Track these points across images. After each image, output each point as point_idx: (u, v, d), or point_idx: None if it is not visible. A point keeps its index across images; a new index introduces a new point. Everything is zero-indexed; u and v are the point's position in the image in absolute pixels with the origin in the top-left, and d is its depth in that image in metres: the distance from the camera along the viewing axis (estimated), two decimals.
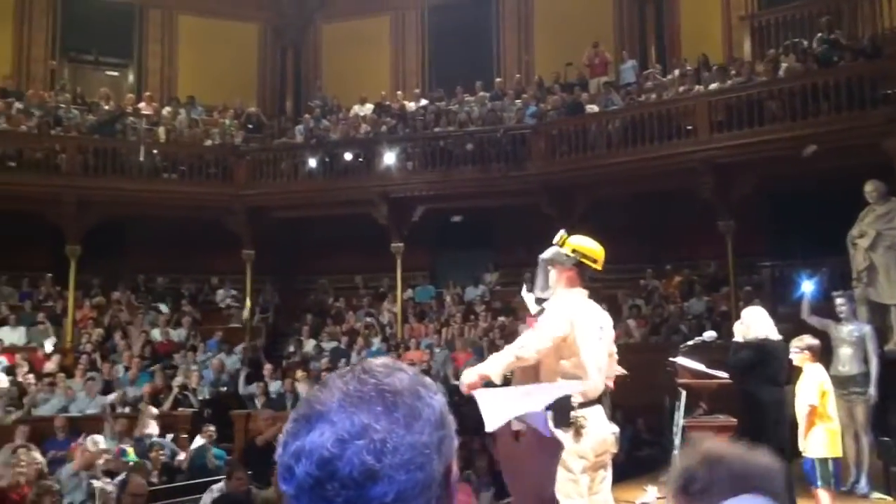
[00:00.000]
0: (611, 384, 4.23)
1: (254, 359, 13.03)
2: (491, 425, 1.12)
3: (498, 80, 15.70)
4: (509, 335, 12.05)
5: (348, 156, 14.30)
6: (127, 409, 10.89)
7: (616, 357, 4.30)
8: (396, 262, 13.92)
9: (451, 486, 0.93)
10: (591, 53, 15.07)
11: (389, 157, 13.90)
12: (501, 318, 12.95)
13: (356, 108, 15.79)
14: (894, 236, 8.19)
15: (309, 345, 13.52)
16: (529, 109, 14.08)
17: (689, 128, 11.92)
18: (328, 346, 13.43)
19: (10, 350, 12.22)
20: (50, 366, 11.91)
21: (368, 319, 14.16)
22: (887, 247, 8.16)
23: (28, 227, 13.21)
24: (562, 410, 4.32)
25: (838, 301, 7.45)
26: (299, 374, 11.96)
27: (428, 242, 14.86)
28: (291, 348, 13.84)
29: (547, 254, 4.21)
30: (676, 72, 13.36)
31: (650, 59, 14.74)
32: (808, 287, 7.65)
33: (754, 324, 6.02)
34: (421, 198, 13.91)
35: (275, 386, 12.12)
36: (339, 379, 0.92)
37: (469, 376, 3.74)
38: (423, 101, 15.46)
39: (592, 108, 13.48)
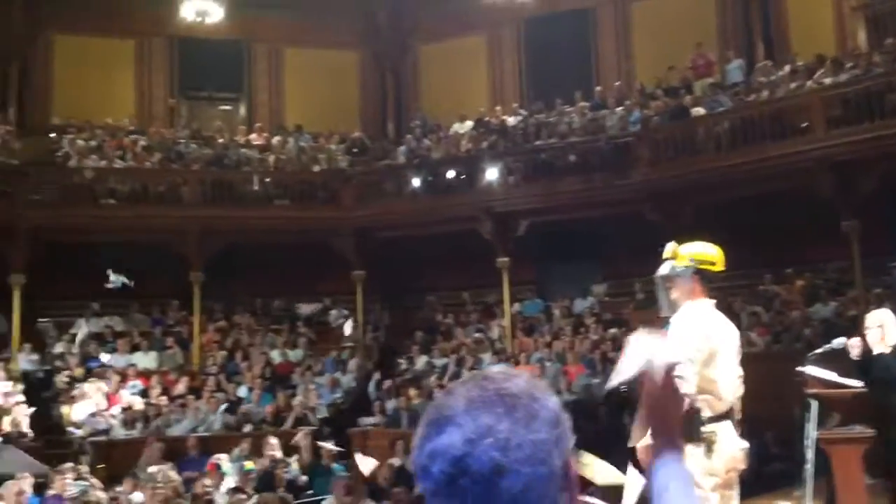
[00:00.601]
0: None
1: (367, 377, 13.32)
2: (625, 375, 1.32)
3: (598, 88, 15.53)
4: (620, 347, 11.84)
5: (450, 173, 14.47)
6: (249, 428, 11.34)
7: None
8: (503, 277, 13.94)
9: (570, 478, 1.02)
10: (695, 55, 14.70)
11: (491, 173, 13.98)
12: (612, 330, 12.73)
13: (456, 126, 15.97)
14: None
15: (420, 361, 13.71)
16: (632, 116, 13.86)
17: (804, 125, 11.42)
18: (439, 362, 13.57)
19: (144, 374, 12.98)
20: (180, 388, 12.56)
21: (477, 335, 14.22)
22: None
23: (155, 256, 14.03)
24: (690, 426, 4.23)
25: None
26: (412, 392, 12.14)
27: (533, 256, 14.80)
28: (403, 366, 14.07)
29: (662, 270, 4.11)
30: (787, 67, 12.84)
31: (757, 57, 14.23)
32: None
33: (893, 327, 5.66)
34: (524, 211, 13.90)
35: (390, 404, 12.34)
36: (462, 386, 1.02)
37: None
38: (523, 114, 15.47)
39: (698, 111, 13.13)
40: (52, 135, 15.21)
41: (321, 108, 17.10)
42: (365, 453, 11.03)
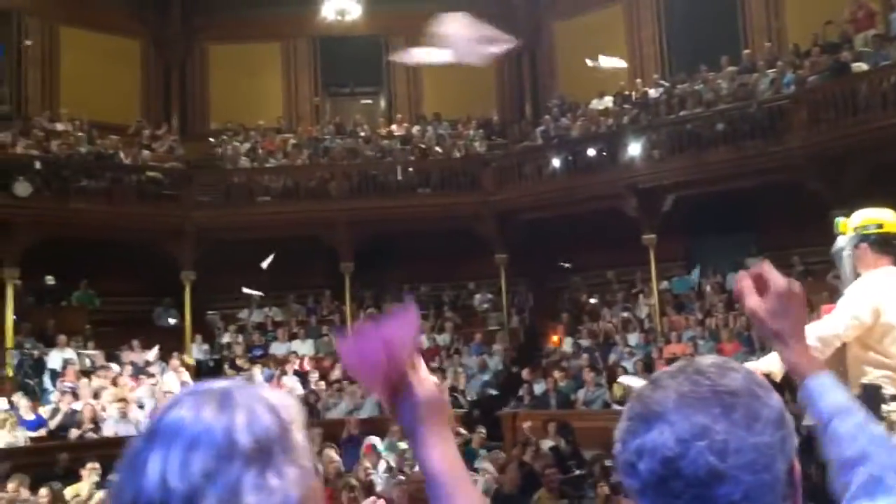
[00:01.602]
0: None
1: (514, 359, 13.37)
2: None
3: (746, 52, 14.67)
4: None
5: (591, 151, 14.19)
6: None
7: None
8: (650, 254, 13.53)
9: (796, 484, 0.93)
10: (854, 6, 13.54)
11: (634, 148, 13.58)
12: None
13: (595, 103, 15.62)
14: None
15: (567, 343, 13.59)
16: (786, 78, 12.99)
17: None
18: (586, 343, 13.39)
19: (303, 360, 13.70)
20: (336, 373, 13.15)
21: (625, 315, 13.90)
22: None
23: (308, 248, 14.73)
24: (870, 404, 3.92)
25: None
26: (557, 374, 12.08)
27: (682, 230, 14.25)
28: (551, 347, 14.01)
29: (835, 246, 3.88)
30: None
31: None
32: None
33: None
34: (670, 185, 13.40)
35: (538, 386, 12.33)
36: (672, 379, 0.94)
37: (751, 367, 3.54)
38: (665, 85, 14.89)
39: (860, 66, 12.10)
40: (211, 139, 16.27)
41: (458, 94, 17.22)
42: (515, 435, 11.11)
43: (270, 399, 0.85)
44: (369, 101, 18.48)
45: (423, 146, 15.91)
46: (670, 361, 11.73)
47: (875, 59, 12.05)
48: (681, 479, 0.87)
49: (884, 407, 3.48)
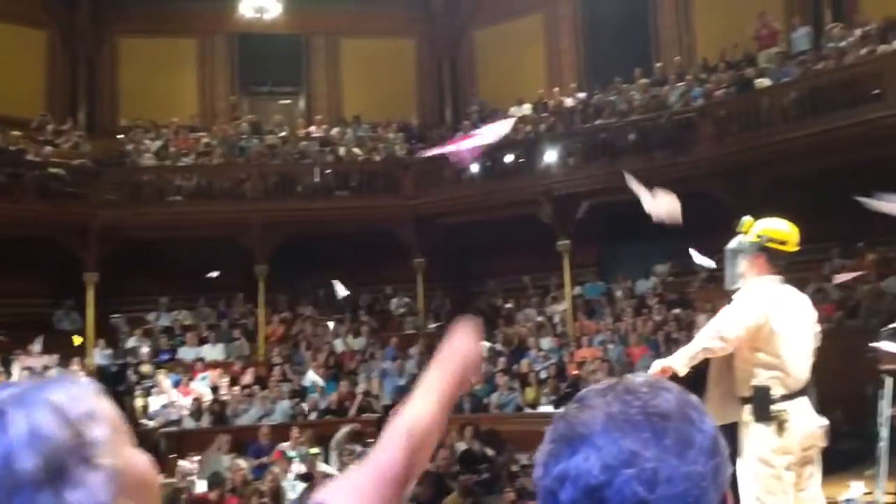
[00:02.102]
0: None
1: (429, 363, 13.36)
2: None
3: (658, 65, 15.14)
4: (685, 327, 11.56)
5: (509, 157, 14.35)
6: (314, 417, 11.53)
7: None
8: (563, 260, 13.77)
9: None
10: (759, 25, 14.15)
11: (550, 155, 13.81)
12: (676, 310, 12.44)
13: (513, 110, 15.80)
14: None
15: (481, 348, 13.67)
16: (694, 91, 13.46)
17: (877, 92, 10.87)
18: (500, 347, 13.51)
19: (213, 366, 13.33)
20: (247, 378, 12.86)
21: (539, 319, 14.10)
22: None
23: (222, 250, 14.37)
24: (761, 404, 4.12)
25: None
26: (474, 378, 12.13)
27: (595, 237, 14.57)
28: None
29: (732, 244, 4.04)
30: (858, 32, 12.23)
31: (825, 23, 13.60)
32: None
33: None
34: (585, 193, 13.68)
35: None
36: (600, 398, 0.86)
37: (654, 369, 3.67)
38: (581, 95, 15.21)
39: (763, 82, 12.65)
40: (121, 136, 15.71)
41: (379, 97, 17.19)
42: None
43: (55, 399, 0.76)
44: (288, 102, 18.21)
45: (342, 148, 15.77)
46: (581, 365, 12.00)
47: (777, 75, 12.61)
48: None
49: (772, 407, 3.62)
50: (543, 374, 12.11)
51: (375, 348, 14.01)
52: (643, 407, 0.84)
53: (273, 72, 17.77)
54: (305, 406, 12.15)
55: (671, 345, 11.50)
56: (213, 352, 13.76)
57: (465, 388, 1.24)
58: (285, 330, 14.52)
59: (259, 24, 16.36)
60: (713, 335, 3.68)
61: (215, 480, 8.78)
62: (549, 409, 11.16)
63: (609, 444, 0.82)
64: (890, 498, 5.53)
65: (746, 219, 3.94)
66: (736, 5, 14.50)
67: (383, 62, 17.41)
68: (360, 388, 12.30)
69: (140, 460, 0.81)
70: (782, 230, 3.84)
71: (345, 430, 10.12)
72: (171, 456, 10.39)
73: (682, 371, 3.65)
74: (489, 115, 16.18)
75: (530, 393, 11.71)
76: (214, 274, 12.72)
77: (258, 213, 14.21)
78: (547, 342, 13.16)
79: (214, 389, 12.49)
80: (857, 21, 12.69)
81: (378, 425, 11.42)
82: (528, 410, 11.45)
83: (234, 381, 12.87)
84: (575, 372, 11.87)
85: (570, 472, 0.82)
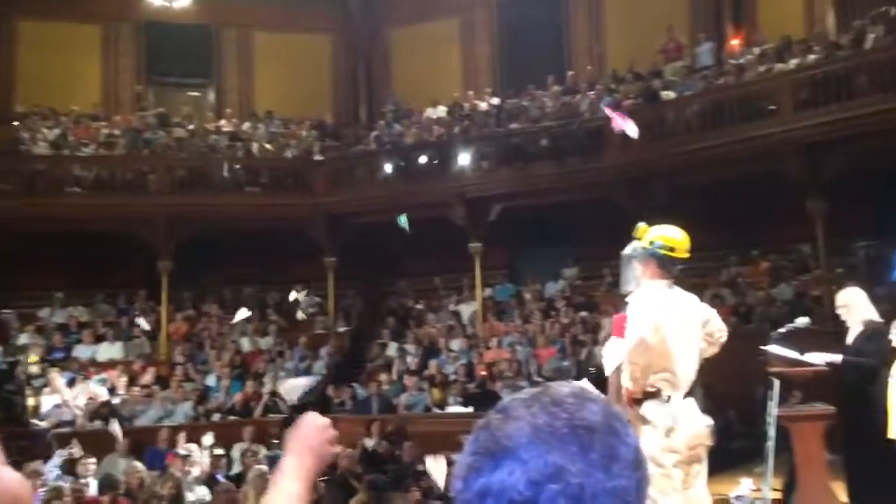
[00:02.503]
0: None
1: (339, 364, 13.26)
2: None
3: (570, 73, 15.49)
4: (591, 330, 11.87)
5: (423, 159, 14.38)
6: (218, 418, 11.24)
7: (718, 337, 4.13)
8: (475, 262, 13.90)
9: None
10: (665, 39, 14.68)
11: (464, 158, 13.91)
12: (583, 313, 12.75)
13: (428, 112, 15.87)
14: None
15: (392, 348, 13.65)
16: (604, 100, 13.81)
17: (773, 108, 11.45)
18: (410, 348, 13.52)
19: (110, 365, 12.80)
20: (146, 378, 12.41)
21: (450, 322, 14.18)
22: None
23: (122, 245, 13.82)
24: (650, 406, 4.24)
25: None
26: (383, 378, 12.11)
27: (506, 240, 14.77)
28: (376, 352, 14.00)
29: (627, 249, 4.15)
30: (756, 50, 12.85)
31: (727, 40, 14.24)
32: None
33: (860, 306, 5.69)
34: (497, 196, 13.85)
35: (360, 390, 12.29)
36: (526, 409, 0.84)
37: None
38: (495, 100, 15.41)
39: (668, 94, 13.13)
40: (16, 122, 14.90)
41: (292, 93, 16.93)
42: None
43: None
44: (197, 94, 17.69)
45: (253, 144, 15.43)
46: (490, 366, 12.11)
47: (681, 88, 13.11)
48: None
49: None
50: (452, 375, 12.19)
51: (283, 347, 13.77)
52: (570, 419, 0.82)
53: (182, 62, 17.23)
54: (208, 407, 11.82)
55: (577, 347, 11.80)
56: (111, 350, 13.21)
57: (321, 468, 1.38)
58: (189, 328, 14.09)
59: (168, 13, 15.83)
60: (640, 349, 3.77)
61: (108, 483, 8.44)
62: (457, 409, 11.23)
63: (535, 458, 0.79)
64: (776, 494, 5.81)
65: (641, 225, 4.07)
66: (645, 19, 15.00)
67: (297, 58, 17.15)
68: (267, 388, 12.06)
69: (11, 479, 0.76)
70: (673, 237, 3.97)
71: None
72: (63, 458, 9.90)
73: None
74: (404, 115, 16.20)
75: (438, 393, 11.76)
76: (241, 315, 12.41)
77: (163, 208, 13.75)
78: (457, 343, 13.25)
79: (112, 390, 12.00)
80: (756, 39, 13.33)
81: (283, 427, 11.24)
82: (437, 411, 11.49)
83: (132, 381, 12.39)
84: (483, 373, 11.99)
85: (492, 486, 0.79)
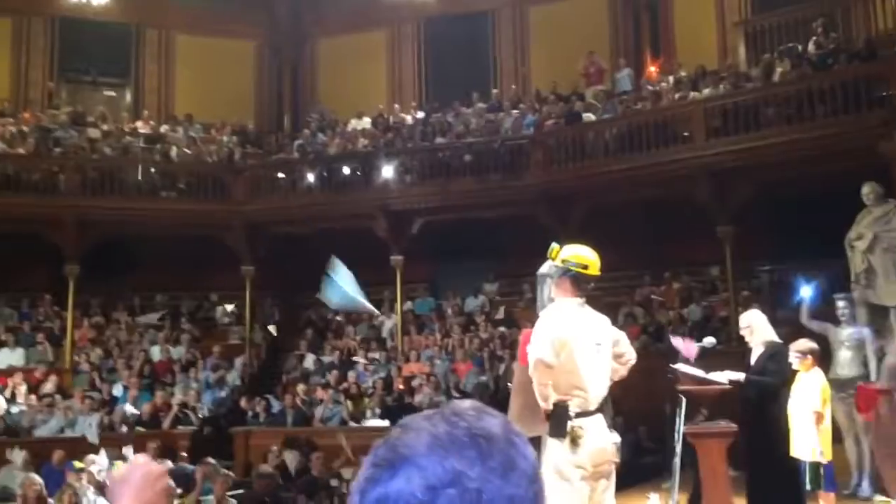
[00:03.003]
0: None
1: (254, 375, 13.00)
2: None
3: (495, 91, 15.73)
4: (508, 346, 12.01)
5: (346, 170, 14.31)
6: (125, 429, 10.84)
7: (627, 359, 4.23)
8: (396, 275, 13.89)
9: None
10: (587, 62, 15.09)
11: (387, 171, 13.91)
12: (501, 329, 12.90)
13: (353, 123, 15.82)
14: (892, 238, 8.15)
15: (309, 360, 13.47)
16: (527, 120, 14.09)
17: (686, 134, 11.91)
18: (328, 360, 13.38)
19: (9, 372, 12.18)
20: (48, 387, 11.87)
21: (369, 333, 14.11)
22: (884, 248, 8.11)
23: (27, 247, 13.20)
24: (558, 421, 4.34)
25: (840, 304, 7.39)
26: (299, 388, 11.93)
27: (428, 254, 14.82)
28: (293, 364, 13.79)
29: (542, 269, 4.23)
30: (671, 78, 13.35)
31: (646, 67, 14.75)
32: (806, 292, 7.64)
33: (761, 327, 5.95)
34: (420, 210, 13.90)
35: (276, 402, 12.07)
36: (426, 420, 0.84)
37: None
38: (421, 114, 15.49)
39: (589, 116, 13.49)
40: None
41: (214, 98, 16.58)
42: (247, 454, 10.76)
43: None
44: (113, 94, 17.13)
45: (171, 147, 15.03)
46: (408, 379, 12.09)
47: (601, 111, 13.49)
48: None
49: (570, 423, 3.84)
50: (370, 388, 12.12)
51: (196, 357, 13.40)
52: (469, 428, 0.82)
53: (98, 61, 16.66)
54: (115, 418, 11.37)
55: (495, 362, 11.92)
56: (11, 357, 12.57)
57: None
58: (96, 335, 13.55)
59: (87, 9, 15.30)
60: (540, 370, 3.84)
61: (4, 496, 8.01)
62: (374, 422, 11.16)
63: (433, 465, 0.79)
64: None
65: (554, 246, 4.16)
66: (568, 43, 15.38)
67: (221, 62, 16.83)
68: (177, 399, 11.70)
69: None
70: (586, 256, 4.08)
71: None
72: None
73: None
74: (328, 125, 16.10)
75: (356, 407, 11.67)
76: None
77: (71, 210, 13.21)
78: (375, 356, 13.18)
79: (11, 398, 11.41)
80: (673, 68, 13.86)
81: (193, 439, 10.93)
82: (353, 424, 11.38)
83: (33, 390, 11.82)
84: (401, 386, 11.97)
85: (389, 495, 0.79)
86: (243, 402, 12.21)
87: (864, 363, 7.09)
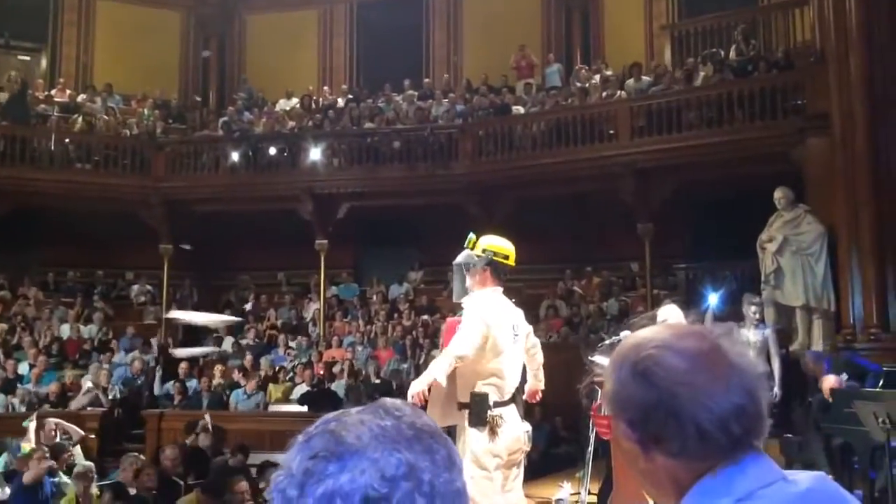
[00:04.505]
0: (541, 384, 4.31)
1: (169, 357, 12.65)
2: None
3: (427, 80, 15.69)
4: (432, 334, 12.07)
5: (272, 150, 14.05)
6: (24, 409, 10.40)
7: (537, 354, 4.31)
8: (320, 260, 13.75)
9: None
10: (518, 56, 15.22)
11: (315, 153, 13.72)
12: (424, 317, 12.94)
13: (282, 103, 15.53)
14: (800, 241, 8.55)
15: (227, 342, 13.21)
16: (458, 109, 14.12)
17: (612, 132, 12.17)
18: (248, 343, 13.14)
19: None
20: None
21: (290, 317, 13.93)
22: (793, 251, 8.51)
23: None
24: (478, 410, 4.38)
25: (753, 307, 7.69)
26: (214, 371, 11.70)
27: (353, 240, 14.73)
28: (210, 346, 13.48)
29: (459, 258, 4.25)
30: (597, 77, 13.60)
31: (575, 63, 14.98)
32: (713, 299, 7.94)
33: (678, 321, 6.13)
34: (346, 195, 13.78)
35: (191, 384, 11.80)
36: (364, 414, 0.83)
37: (417, 387, 3.76)
38: (350, 98, 15.32)
39: (519, 109, 13.62)
40: None
41: (136, 69, 16.00)
42: (160, 435, 10.50)
43: None
44: (27, 58, 16.31)
45: (88, 117, 14.43)
46: (329, 365, 12.00)
47: (530, 105, 13.64)
48: None
49: (489, 412, 3.89)
50: (289, 373, 11.98)
51: (109, 337, 12.95)
52: (412, 423, 0.83)
53: (13, 23, 15.82)
54: (16, 399, 10.89)
55: (417, 350, 11.96)
56: None
57: None
58: (2, 310, 12.94)
59: None
60: (463, 345, 3.86)
61: None
62: (292, 408, 11.05)
63: (386, 457, 0.78)
64: (592, 498, 6.15)
65: (471, 236, 4.20)
66: (500, 36, 15.47)
67: (144, 32, 16.23)
68: (87, 379, 11.30)
69: None
70: (505, 246, 4.15)
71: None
72: None
73: (444, 381, 3.80)
74: (256, 104, 15.75)
75: (275, 392, 11.52)
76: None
77: None
78: (296, 340, 13.03)
79: None
80: (601, 66, 14.12)
81: (103, 420, 10.60)
82: (272, 409, 11.24)
83: None
84: (321, 372, 11.87)
85: (341, 488, 0.77)
86: (157, 385, 11.90)
87: (768, 361, 7.43)
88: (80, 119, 14.28)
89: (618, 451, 5.82)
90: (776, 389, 7.34)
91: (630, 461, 1.08)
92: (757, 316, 7.60)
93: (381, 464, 0.78)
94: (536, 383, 4.36)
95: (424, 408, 3.94)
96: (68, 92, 15.05)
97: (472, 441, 3.88)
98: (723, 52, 12.70)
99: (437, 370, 3.77)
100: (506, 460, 3.93)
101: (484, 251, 4.09)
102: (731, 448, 1.01)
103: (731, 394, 1.00)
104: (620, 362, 1.05)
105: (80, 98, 15.01)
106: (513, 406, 4.00)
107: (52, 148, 13.38)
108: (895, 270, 8.28)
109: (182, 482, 7.31)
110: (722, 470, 1.00)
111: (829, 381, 6.71)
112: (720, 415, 0.99)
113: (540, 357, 4.33)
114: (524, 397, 4.37)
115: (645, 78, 12.76)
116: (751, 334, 7.54)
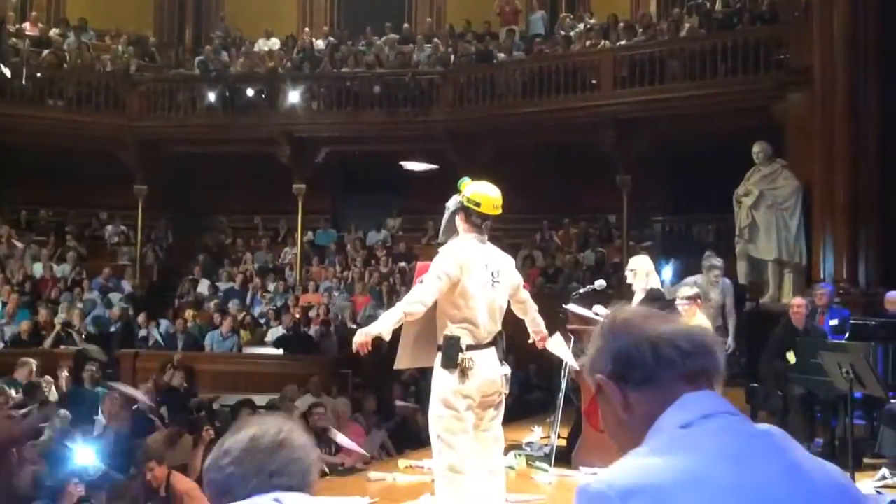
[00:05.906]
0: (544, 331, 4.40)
1: (143, 297, 12.61)
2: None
3: (407, 25, 15.41)
4: (409, 280, 12.10)
5: (250, 92, 13.81)
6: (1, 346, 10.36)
7: (527, 305, 4.32)
8: (298, 204, 13.65)
9: None
10: (502, 2, 14.96)
11: (294, 96, 13.51)
12: (402, 263, 12.95)
13: (260, 43, 15.20)
14: (776, 196, 8.62)
15: (203, 285, 13.16)
16: (440, 55, 13.91)
17: (594, 82, 12.07)
18: (224, 286, 13.11)
19: None
20: None
21: (266, 261, 13.88)
22: (769, 206, 8.58)
23: None
24: (449, 353, 4.38)
25: (715, 271, 7.77)
26: (188, 313, 11.69)
27: (331, 185, 14.61)
28: (186, 288, 13.44)
29: (450, 202, 4.23)
30: (581, 26, 13.43)
31: (560, 11, 14.76)
32: (667, 273, 8.06)
33: (646, 272, 6.13)
34: (325, 139, 13.63)
35: (164, 326, 11.79)
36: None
37: (359, 337, 3.77)
38: (331, 40, 15.02)
39: (501, 56, 13.44)
40: None
41: (110, 3, 15.55)
42: (134, 376, 10.51)
43: None
44: None
45: (61, 52, 14.04)
46: (305, 310, 12.02)
47: (513, 52, 13.46)
48: None
49: (461, 355, 3.93)
50: (264, 317, 11.99)
51: (82, 276, 12.85)
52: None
53: None
54: None
55: (393, 296, 11.99)
56: None
57: None
58: None
59: None
60: (414, 301, 3.87)
61: None
62: (266, 350, 11.09)
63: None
64: (562, 442, 6.27)
65: (464, 179, 4.17)
66: None
67: None
68: (60, 318, 11.24)
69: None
70: (482, 192, 4.11)
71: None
72: None
73: (387, 335, 3.81)
74: (233, 44, 15.40)
75: (248, 334, 11.54)
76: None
77: None
78: (272, 285, 13.01)
79: None
80: (586, 15, 13.93)
81: (75, 359, 10.57)
82: (246, 351, 11.28)
83: None
84: (297, 316, 11.90)
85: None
86: (133, 325, 11.87)
87: (723, 315, 7.64)
88: (48, 54, 13.89)
89: (586, 396, 5.91)
90: (730, 341, 7.50)
91: (613, 424, 1.20)
92: (716, 277, 7.72)
93: None
94: (538, 329, 4.42)
95: (368, 356, 4.00)
96: (40, 26, 14.61)
97: (441, 381, 3.93)
98: (709, 4, 12.56)
99: (384, 324, 3.79)
100: (479, 401, 3.98)
101: (468, 198, 4.07)
102: (690, 378, 1.15)
103: (677, 326, 1.20)
104: (595, 337, 1.22)
105: (53, 32, 14.58)
106: (491, 350, 4.03)
107: (24, 83, 13.02)
108: (867, 227, 8.39)
109: (156, 419, 7.36)
110: (686, 395, 1.14)
111: (796, 300, 6.88)
112: (668, 335, 1.16)
113: (532, 308, 4.35)
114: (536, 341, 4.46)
115: (635, 39, 12.52)
116: (713, 293, 7.65)
